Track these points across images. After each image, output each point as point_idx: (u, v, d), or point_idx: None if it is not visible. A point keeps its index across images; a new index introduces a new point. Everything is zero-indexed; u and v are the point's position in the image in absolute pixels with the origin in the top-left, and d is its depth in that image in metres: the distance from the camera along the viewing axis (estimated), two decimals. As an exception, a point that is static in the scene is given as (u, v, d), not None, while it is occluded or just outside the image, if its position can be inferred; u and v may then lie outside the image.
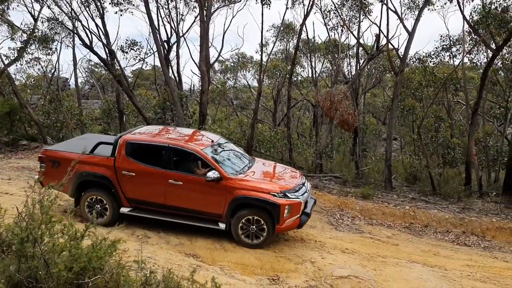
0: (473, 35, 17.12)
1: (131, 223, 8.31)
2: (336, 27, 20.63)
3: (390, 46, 15.44)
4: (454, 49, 19.21)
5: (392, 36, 15.33)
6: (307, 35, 20.65)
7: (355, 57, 19.96)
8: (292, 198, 8.41)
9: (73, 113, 19.36)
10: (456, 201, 13.25)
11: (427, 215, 11.96)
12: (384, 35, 15.10)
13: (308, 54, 22.40)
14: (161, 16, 19.28)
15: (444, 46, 18.68)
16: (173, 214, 8.64)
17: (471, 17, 14.26)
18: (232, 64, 26.38)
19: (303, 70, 26.26)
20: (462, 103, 20.67)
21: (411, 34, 14.58)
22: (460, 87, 19.10)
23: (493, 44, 14.31)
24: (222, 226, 8.45)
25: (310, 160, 17.18)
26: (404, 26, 14.99)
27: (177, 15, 19.62)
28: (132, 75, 28.31)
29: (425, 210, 12.26)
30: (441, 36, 19.15)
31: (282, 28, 21.72)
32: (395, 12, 15.36)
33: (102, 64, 18.92)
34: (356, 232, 10.76)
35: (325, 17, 19.73)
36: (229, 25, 23.99)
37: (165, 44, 18.98)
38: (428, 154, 16.12)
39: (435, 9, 17.01)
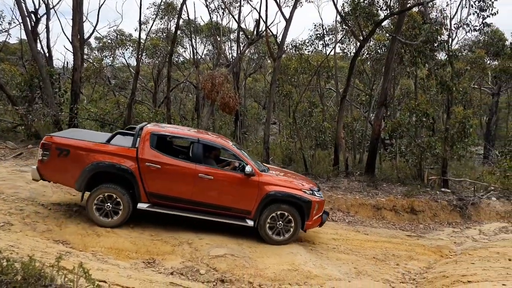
0: (344, 25, 18.36)
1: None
2: (217, 10, 20.68)
3: (269, 32, 15.90)
4: (327, 38, 20.47)
5: (272, 23, 15.96)
6: (188, 16, 20.41)
7: (236, 41, 20.22)
8: (318, 196, 8.76)
9: None
10: (325, 180, 14.20)
11: (299, 194, 12.67)
12: (264, 21, 15.52)
13: (190, 35, 22.16)
14: (27, -16, 17.53)
15: (318, 35, 19.79)
16: (197, 211, 8.27)
17: (343, 8, 15.26)
18: (110, 41, 25.03)
19: (185, 51, 25.98)
20: (333, 90, 22.16)
21: (288, 21, 15.14)
22: (332, 75, 20.43)
23: (361, 35, 15.51)
24: (250, 223, 8.34)
25: (191, 143, 17.08)
26: (282, 13, 15.54)
27: (46, -17, 17.96)
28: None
29: (298, 190, 12.97)
30: (315, 25, 20.26)
31: (163, 7, 21.13)
32: (274, -1, 15.82)
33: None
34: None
35: (206, -2, 19.65)
36: (106, -1, 22.71)
37: (32, 15, 17.28)
38: (302, 137, 17.05)
39: (312, 1, 17.92)
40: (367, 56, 19.52)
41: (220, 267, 7.09)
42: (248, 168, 8.26)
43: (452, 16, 15.86)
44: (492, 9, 13.87)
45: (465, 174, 16.02)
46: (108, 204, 7.95)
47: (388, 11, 14.94)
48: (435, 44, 14.93)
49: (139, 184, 8.05)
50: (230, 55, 22.91)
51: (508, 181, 14.24)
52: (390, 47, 14.68)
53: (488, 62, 27.86)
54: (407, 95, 20.79)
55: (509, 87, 30.01)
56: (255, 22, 17.15)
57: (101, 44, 27.03)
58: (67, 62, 24.50)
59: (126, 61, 25.66)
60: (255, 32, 17.14)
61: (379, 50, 18.32)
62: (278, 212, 8.39)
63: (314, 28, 19.97)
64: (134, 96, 16.35)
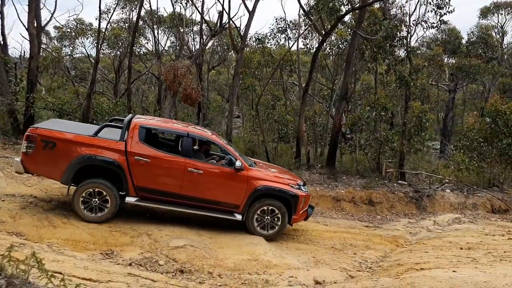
0: (307, 20, 18.53)
1: None
2: (181, 0, 20.42)
3: (232, 25, 15.85)
4: (290, 32, 20.59)
5: (235, 15, 15.86)
6: (151, 6, 20.07)
7: (199, 32, 20.05)
8: (304, 190, 8.93)
9: None
10: (287, 173, 14.36)
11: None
12: (227, 13, 15.45)
13: (153, 26, 21.81)
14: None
15: (280, 29, 19.89)
16: (186, 205, 8.23)
17: (308, 2, 15.37)
18: (69, 30, 24.26)
19: (147, 42, 25.56)
20: (296, 84, 22.35)
21: (251, 13, 15.13)
22: (295, 69, 20.60)
23: (324, 30, 15.68)
24: (238, 217, 8.40)
25: (152, 135, 16.88)
26: (246, 6, 15.51)
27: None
28: None
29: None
30: (277, 19, 20.31)
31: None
32: (237, -10, 15.76)
33: None
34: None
35: (169, -11, 19.36)
36: (65, -15, 21.99)
37: (-15, 0, 16.52)
38: (264, 130, 17.14)
39: (276, -7, 17.97)
40: (329, 51, 19.79)
41: (179, 258, 7.05)
42: (238, 163, 8.30)
43: (411, 13, 16.19)
44: (448, 7, 14.39)
45: (422, 167, 16.55)
46: (95, 199, 7.78)
47: (350, 6, 15.18)
48: (395, 40, 15.31)
49: (128, 178, 7.92)
50: (193, 47, 22.71)
51: (462, 174, 14.81)
52: (351, 42, 14.93)
53: (446, 59, 28.82)
54: (367, 90, 21.23)
55: (465, 84, 31.14)
56: (218, 14, 17.06)
57: (60, 33, 26.18)
58: (24, 51, 23.65)
59: (86, 51, 24.97)
60: (218, 24, 17.04)
61: (340, 45, 18.60)
62: (266, 207, 8.50)
63: (276, 21, 20.05)
64: (93, 86, 15.96)
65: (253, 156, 16.57)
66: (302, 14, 18.89)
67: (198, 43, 21.40)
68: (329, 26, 15.36)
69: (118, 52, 22.83)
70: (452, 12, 14.43)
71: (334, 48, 18.95)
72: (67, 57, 25.53)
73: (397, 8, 17.58)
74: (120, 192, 7.98)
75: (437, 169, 15.72)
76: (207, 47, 21.92)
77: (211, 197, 8.32)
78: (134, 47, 18.36)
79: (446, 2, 14.33)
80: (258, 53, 19.32)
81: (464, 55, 27.57)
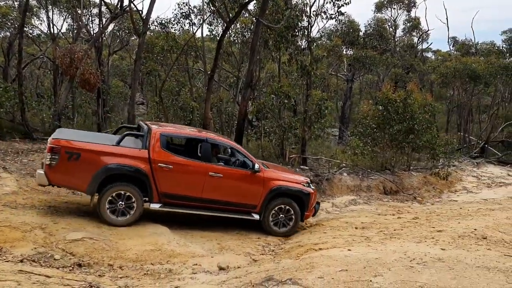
0: (211, 6, 18.38)
1: None
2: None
3: (133, 8, 15.24)
4: (194, 18, 20.29)
5: (136, -3, 15.16)
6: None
7: (99, 14, 19.03)
8: (312, 188, 9.61)
9: None
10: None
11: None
12: (128, -5, 14.79)
13: (47, 6, 20.22)
14: None
15: (183, 14, 19.56)
16: (207, 208, 8.63)
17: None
18: None
19: (41, 23, 23.74)
20: (202, 70, 22.18)
21: (153, -4, 14.64)
22: (200, 55, 20.41)
23: (228, 17, 15.66)
24: (256, 216, 8.92)
25: (47, 122, 15.81)
26: (148, -12, 14.95)
27: None
28: None
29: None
30: (179, 4, 19.94)
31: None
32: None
33: None
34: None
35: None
36: None
37: None
38: (169, 117, 16.82)
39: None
40: (235, 38, 19.86)
41: (77, 251, 6.72)
42: (256, 166, 8.81)
43: (311, 4, 16.72)
44: (346, -1, 15.11)
45: (322, 152, 17.38)
46: (121, 203, 7.95)
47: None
48: (296, 30, 15.76)
49: (152, 185, 8.17)
50: (92, 30, 21.50)
51: (357, 158, 15.79)
52: (256, 30, 15.06)
53: (344, 50, 30.37)
54: (272, 78, 21.68)
55: (362, 74, 33.14)
56: (118, -4, 16.26)
57: None
58: None
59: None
60: (118, 7, 16.27)
61: (245, 33, 18.72)
62: (281, 206, 9.06)
63: (179, 6, 19.66)
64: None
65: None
66: (206, 1, 18.73)
67: (98, 26, 20.33)
68: (233, 13, 15.37)
69: (8, 33, 20.94)
70: (349, 3, 15.24)
71: (238, 36, 19.03)
72: None
73: (299, -2, 18.08)
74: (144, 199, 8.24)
75: (335, 154, 16.60)
76: (107, 31, 20.91)
77: (230, 199, 8.74)
78: (25, 28, 16.90)
79: (344, -6, 15.05)
80: (162, 38, 18.83)
81: (361, 46, 29.27)
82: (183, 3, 19.61)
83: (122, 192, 7.95)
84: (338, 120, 29.60)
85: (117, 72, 29.02)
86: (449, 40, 35.19)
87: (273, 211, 9.04)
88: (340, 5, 15.32)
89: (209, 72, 16.73)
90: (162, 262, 6.82)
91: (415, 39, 35.99)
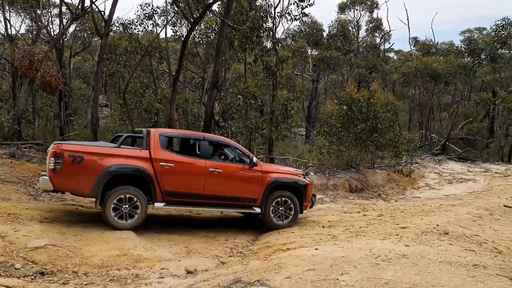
0: (175, 7, 18.24)
1: None
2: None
3: (95, 8, 14.95)
4: (158, 18, 20.09)
5: (97, -2, 14.86)
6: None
7: (59, 15, 18.53)
8: (308, 180, 9.74)
9: None
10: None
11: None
12: (88, -4, 14.50)
13: (3, 5, 19.52)
14: None
15: (147, 15, 19.36)
16: (209, 204, 8.73)
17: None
18: None
19: (-2, 24, 22.90)
20: (167, 72, 21.97)
21: (115, -3, 14.40)
22: (164, 55, 20.21)
23: (192, 18, 15.56)
24: (257, 210, 9.02)
25: (6, 127, 15.30)
26: (109, -11, 14.70)
27: None
28: None
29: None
30: (141, 5, 19.72)
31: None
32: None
33: None
34: (58, 201, 10.25)
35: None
36: None
37: None
38: (133, 118, 16.55)
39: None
40: (199, 40, 19.77)
41: (39, 259, 6.49)
42: (254, 159, 8.95)
43: (276, 5, 16.84)
44: (309, 1, 15.26)
45: (289, 152, 17.51)
46: (126, 206, 7.92)
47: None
48: (261, 31, 15.80)
49: (155, 184, 8.20)
50: (53, 31, 20.91)
51: (324, 157, 15.99)
52: (221, 31, 15.03)
53: (309, 51, 30.73)
54: (238, 79, 21.69)
55: (326, 74, 33.60)
56: (80, -4, 15.89)
57: None
58: None
59: None
60: (80, 7, 15.90)
61: (210, 34, 18.66)
62: (280, 198, 9.18)
63: (141, 8, 19.45)
64: None
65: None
66: (169, 2, 18.55)
67: (58, 27, 19.80)
68: (197, 14, 15.30)
69: (-39, 33, 20.15)
70: (312, 5, 15.40)
71: (203, 37, 18.95)
72: None
73: (263, -1, 18.16)
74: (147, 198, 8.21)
75: (302, 154, 16.76)
76: (68, 32, 20.40)
77: (232, 194, 8.82)
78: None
79: (307, -4, 15.21)
80: (125, 39, 18.53)
81: (325, 47, 29.69)
82: (146, 4, 19.43)
83: (126, 196, 7.94)
84: (304, 120, 29.91)
85: (80, 74, 28.42)
86: (410, 40, 36.23)
87: (273, 204, 9.15)
88: (304, 6, 15.48)
89: (174, 73, 16.58)
90: (129, 267, 6.68)
91: (378, 40, 36.84)
